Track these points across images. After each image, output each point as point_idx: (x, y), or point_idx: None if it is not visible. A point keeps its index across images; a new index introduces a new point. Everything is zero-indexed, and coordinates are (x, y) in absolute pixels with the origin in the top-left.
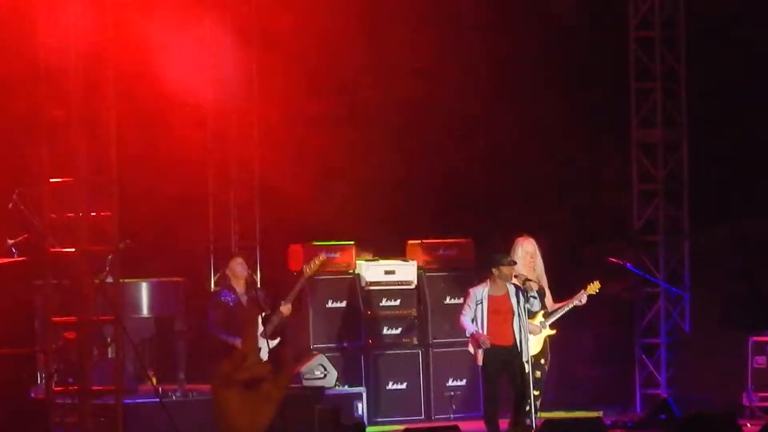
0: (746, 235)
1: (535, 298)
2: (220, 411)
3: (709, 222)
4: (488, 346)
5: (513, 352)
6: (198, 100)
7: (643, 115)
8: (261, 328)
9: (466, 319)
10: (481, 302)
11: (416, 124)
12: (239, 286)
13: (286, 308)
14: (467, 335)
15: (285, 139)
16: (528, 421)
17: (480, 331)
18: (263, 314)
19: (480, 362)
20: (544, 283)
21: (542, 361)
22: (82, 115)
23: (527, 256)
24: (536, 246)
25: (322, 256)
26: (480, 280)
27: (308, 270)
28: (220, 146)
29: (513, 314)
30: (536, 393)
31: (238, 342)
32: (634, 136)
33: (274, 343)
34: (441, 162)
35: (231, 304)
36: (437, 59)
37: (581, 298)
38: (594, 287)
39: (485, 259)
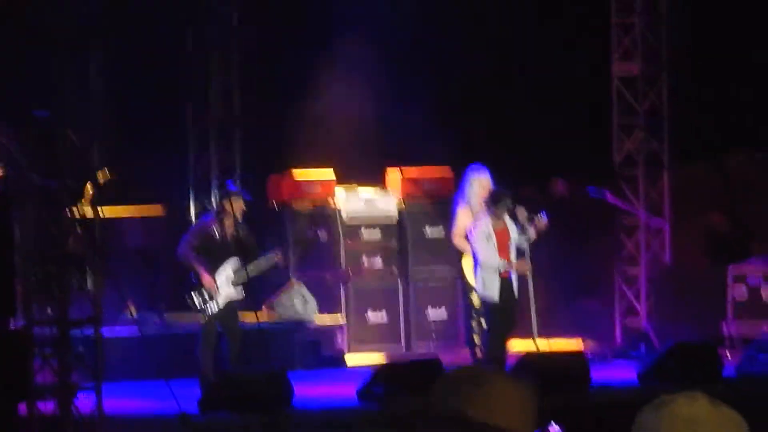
0: (727, 167)
1: (529, 240)
2: None
3: (690, 155)
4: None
5: (512, 284)
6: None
7: (624, 49)
8: (229, 274)
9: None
10: (491, 236)
11: (397, 51)
12: (228, 221)
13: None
14: (501, 269)
15: (265, 67)
16: (478, 352)
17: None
18: (238, 261)
19: (497, 297)
20: None
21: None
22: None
23: (482, 190)
24: (490, 179)
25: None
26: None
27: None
28: (199, 74)
29: (512, 245)
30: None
31: (203, 271)
32: (614, 69)
33: (237, 293)
34: (419, 90)
35: (217, 236)
36: None
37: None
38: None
39: (491, 196)
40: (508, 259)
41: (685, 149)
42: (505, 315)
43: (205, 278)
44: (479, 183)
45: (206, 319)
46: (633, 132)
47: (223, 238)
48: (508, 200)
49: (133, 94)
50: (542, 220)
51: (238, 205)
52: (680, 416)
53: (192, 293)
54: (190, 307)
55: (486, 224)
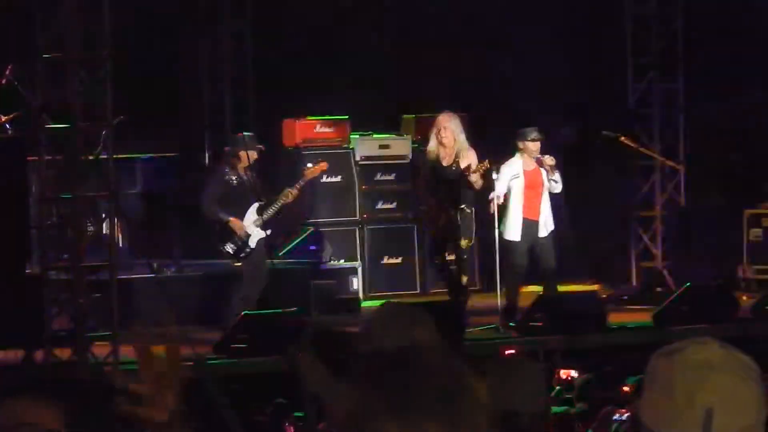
0: (743, 108)
1: (556, 182)
2: None
3: (706, 95)
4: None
5: (539, 228)
6: None
7: None
8: (254, 217)
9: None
10: (518, 177)
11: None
12: (241, 167)
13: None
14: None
15: (278, 13)
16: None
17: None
18: (259, 203)
19: (518, 237)
20: (471, 160)
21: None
22: None
23: (442, 130)
24: (453, 120)
25: (324, 165)
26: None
27: (309, 173)
28: (212, 21)
29: (543, 188)
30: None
31: (231, 219)
32: (628, 9)
33: (263, 232)
34: (436, 37)
35: (234, 183)
36: None
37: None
38: (483, 165)
39: (514, 134)
40: (537, 205)
41: (700, 90)
42: (529, 258)
43: (235, 224)
44: (435, 124)
45: (245, 263)
46: (648, 73)
47: (240, 184)
48: (530, 136)
49: (146, 37)
50: (550, 159)
51: (251, 153)
52: (692, 362)
53: (226, 243)
54: (228, 257)
55: (516, 164)
